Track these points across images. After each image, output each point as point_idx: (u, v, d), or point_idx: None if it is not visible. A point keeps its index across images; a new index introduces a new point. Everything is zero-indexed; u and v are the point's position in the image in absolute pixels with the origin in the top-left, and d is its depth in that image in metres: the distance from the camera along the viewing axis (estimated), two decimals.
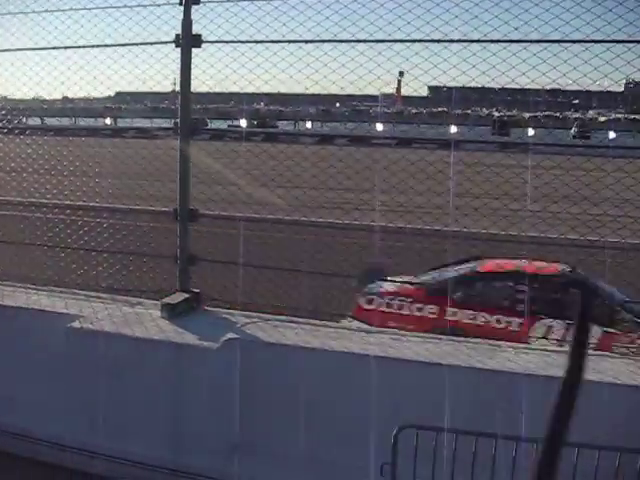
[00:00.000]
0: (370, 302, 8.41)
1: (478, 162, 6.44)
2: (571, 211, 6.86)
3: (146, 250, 6.99)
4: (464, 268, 8.70)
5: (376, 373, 4.72)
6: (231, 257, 6.48)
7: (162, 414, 5.20)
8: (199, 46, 5.78)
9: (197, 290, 5.94)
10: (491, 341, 5.33)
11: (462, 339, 5.34)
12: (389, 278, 7.79)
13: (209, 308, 5.92)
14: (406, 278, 8.36)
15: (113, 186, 8.01)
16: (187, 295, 5.81)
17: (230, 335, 5.22)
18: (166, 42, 5.91)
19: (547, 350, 5.15)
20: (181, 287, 5.91)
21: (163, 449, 5.13)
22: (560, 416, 0.71)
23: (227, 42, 5.98)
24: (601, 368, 4.73)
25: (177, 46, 5.75)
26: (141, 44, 6.22)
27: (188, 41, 5.70)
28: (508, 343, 5.31)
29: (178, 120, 5.82)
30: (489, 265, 8.66)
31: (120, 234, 7.15)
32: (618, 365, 4.86)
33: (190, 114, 5.83)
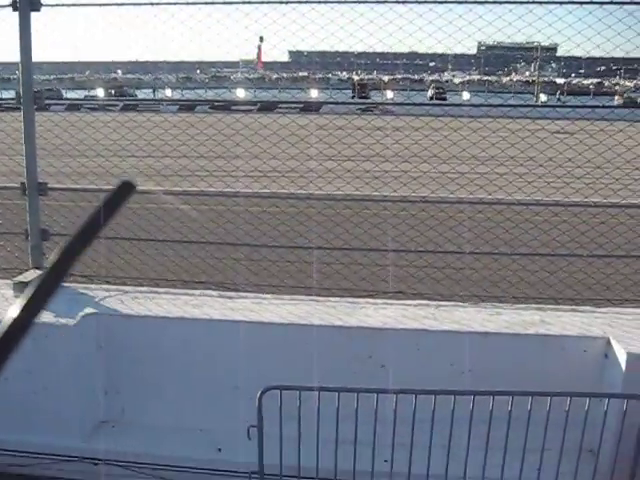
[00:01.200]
0: None
1: (330, 124, 6.52)
2: (421, 168, 7.11)
3: None
4: None
5: (239, 338, 4.74)
6: None
7: (21, 397, 5.00)
8: (38, 10, 5.48)
9: None
10: (351, 299, 5.45)
11: (322, 299, 5.43)
12: None
13: (65, 284, 5.73)
14: None
15: None
16: (41, 272, 5.58)
17: (88, 310, 5.07)
18: (2, 6, 5.57)
19: (405, 304, 5.32)
20: (34, 264, 5.68)
21: (24, 433, 4.95)
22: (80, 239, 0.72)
23: (68, 5, 5.72)
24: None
25: (14, 10, 5.44)
26: None
27: (25, 4, 5.40)
28: (367, 299, 5.44)
29: (20, 90, 5.53)
30: None
31: None
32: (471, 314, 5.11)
33: (32, 83, 5.55)
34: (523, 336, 4.75)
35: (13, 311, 0.68)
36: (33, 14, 5.48)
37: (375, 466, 4.19)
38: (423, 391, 4.06)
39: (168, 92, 52.47)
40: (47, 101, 6.04)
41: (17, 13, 5.44)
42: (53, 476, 4.88)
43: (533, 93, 65.42)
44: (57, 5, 5.61)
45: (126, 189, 0.74)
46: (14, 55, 5.71)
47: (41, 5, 5.48)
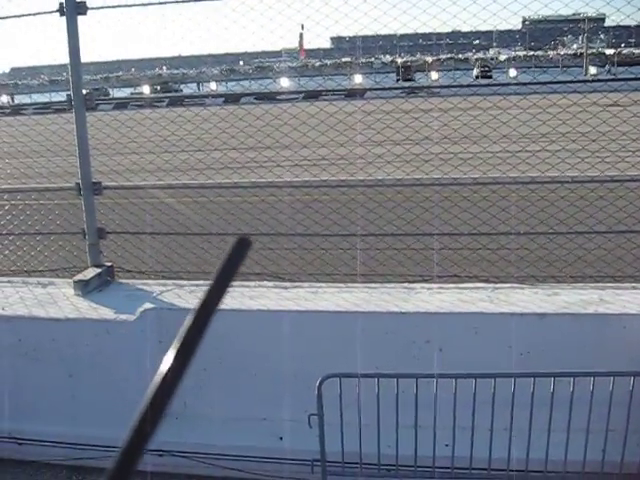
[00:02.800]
0: None
1: (378, 109, 6.49)
2: (471, 150, 7.02)
3: (53, 228, 6.81)
4: None
5: (295, 327, 4.77)
6: (140, 227, 6.39)
7: (85, 392, 5.13)
8: (85, 13, 5.59)
9: (109, 264, 5.85)
10: (405, 284, 5.44)
11: (377, 285, 5.43)
12: None
13: (123, 280, 5.85)
14: None
15: (10, 166, 7.74)
16: (99, 270, 5.71)
17: (146, 305, 5.17)
18: (50, 12, 5.68)
19: (460, 288, 5.29)
20: (92, 262, 5.81)
21: (90, 427, 5.07)
22: (200, 318, 0.72)
23: (113, 7, 5.81)
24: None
25: (62, 15, 5.55)
26: (23, 15, 5.97)
27: (72, 9, 5.51)
28: (422, 284, 5.43)
29: (71, 92, 5.64)
30: None
31: (24, 215, 6.95)
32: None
33: (81, 85, 5.65)
34: (582, 316, 4.68)
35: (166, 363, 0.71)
36: (79, 17, 5.58)
37: (436, 450, 4.18)
38: (482, 374, 4.04)
39: (213, 85, 52.81)
40: (96, 101, 6.14)
41: (64, 18, 5.55)
42: None
43: (582, 66, 64.01)
44: (102, 7, 5.70)
45: (243, 246, 0.76)
46: (61, 57, 5.83)
47: (87, 9, 5.58)
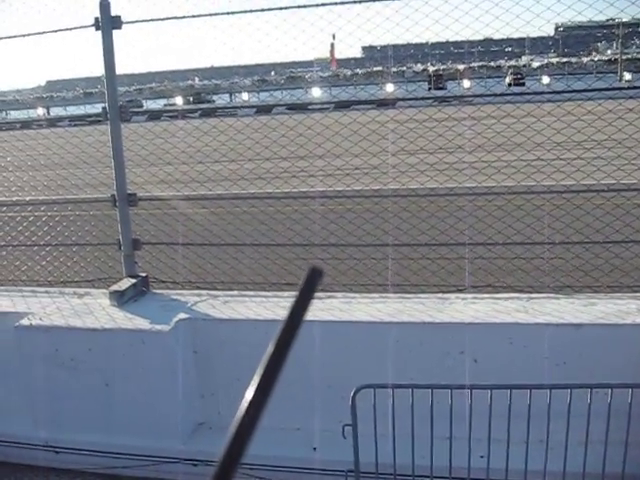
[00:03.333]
0: None
1: (411, 119, 6.50)
2: (505, 159, 6.97)
3: (89, 239, 6.89)
4: None
5: (329, 337, 4.77)
6: (175, 238, 6.45)
7: (121, 402, 5.18)
8: (120, 27, 5.66)
9: (144, 274, 5.91)
10: (439, 294, 5.41)
11: (411, 295, 5.41)
12: None
13: (158, 291, 5.90)
14: None
15: (47, 178, 7.87)
16: (134, 280, 5.77)
17: (181, 316, 5.21)
18: (85, 26, 5.77)
19: (495, 298, 5.24)
20: (128, 273, 5.87)
21: (126, 436, 5.12)
22: (278, 354, 0.72)
23: (147, 21, 5.88)
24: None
25: (97, 29, 5.63)
26: (59, 30, 6.07)
27: (107, 23, 5.59)
28: (456, 295, 5.40)
29: (106, 104, 5.72)
30: None
31: (60, 226, 7.05)
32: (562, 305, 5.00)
33: (117, 98, 5.73)
34: (619, 326, 4.61)
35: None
36: (114, 31, 5.66)
37: (471, 462, 4.14)
38: (518, 386, 4.00)
39: (245, 96, 53.21)
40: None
41: (99, 32, 5.64)
42: (155, 477, 5.04)
43: (616, 72, 63.30)
44: (137, 22, 5.77)
45: (315, 275, 0.76)
46: (96, 70, 5.91)
47: (122, 23, 5.65)
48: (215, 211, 7.37)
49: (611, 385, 3.95)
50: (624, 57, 76.88)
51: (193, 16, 5.72)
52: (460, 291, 5.51)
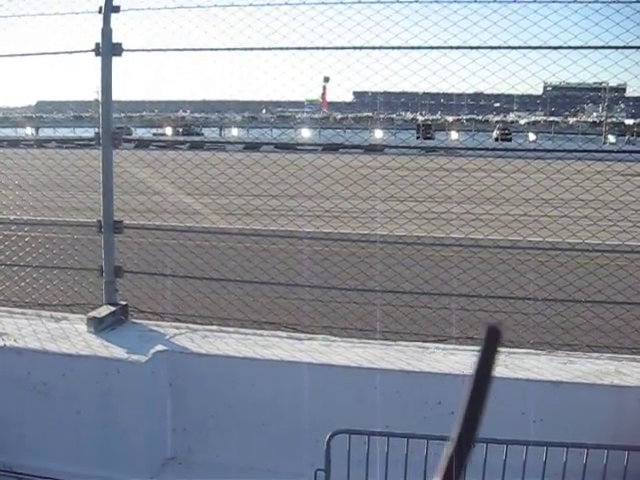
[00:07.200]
0: None
1: (402, 167, 6.56)
2: (493, 212, 7.04)
3: (71, 263, 6.83)
4: None
5: (307, 380, 4.74)
6: (158, 268, 6.40)
7: (91, 431, 5.09)
8: (120, 54, 5.69)
9: (124, 302, 5.85)
10: (419, 343, 5.40)
11: (391, 342, 5.39)
12: None
13: (137, 320, 5.83)
14: None
15: (34, 198, 7.82)
16: (114, 308, 5.70)
17: (159, 347, 5.15)
18: (85, 51, 5.79)
19: (475, 350, 5.23)
20: (107, 300, 5.80)
21: (93, 466, 5.02)
22: (471, 415, 0.71)
23: (148, 50, 5.92)
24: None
25: (97, 55, 5.65)
26: (59, 53, 6.09)
27: (108, 50, 5.61)
28: (436, 344, 5.39)
29: (100, 130, 5.72)
30: None
31: (43, 247, 6.99)
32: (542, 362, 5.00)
33: (111, 124, 5.73)
34: (597, 386, 4.62)
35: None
36: (115, 58, 5.69)
37: None
38: (494, 440, 3.97)
39: (234, 131, 53.51)
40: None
41: (99, 58, 5.66)
42: None
43: (601, 134, 64.43)
44: (138, 50, 5.81)
45: (494, 334, 0.74)
46: (87, 95, 5.93)
47: (123, 50, 5.68)
48: (201, 244, 7.36)
49: (587, 445, 3.94)
50: (609, 120, 78.28)
51: (201, 49, 5.77)
52: (441, 341, 5.50)
